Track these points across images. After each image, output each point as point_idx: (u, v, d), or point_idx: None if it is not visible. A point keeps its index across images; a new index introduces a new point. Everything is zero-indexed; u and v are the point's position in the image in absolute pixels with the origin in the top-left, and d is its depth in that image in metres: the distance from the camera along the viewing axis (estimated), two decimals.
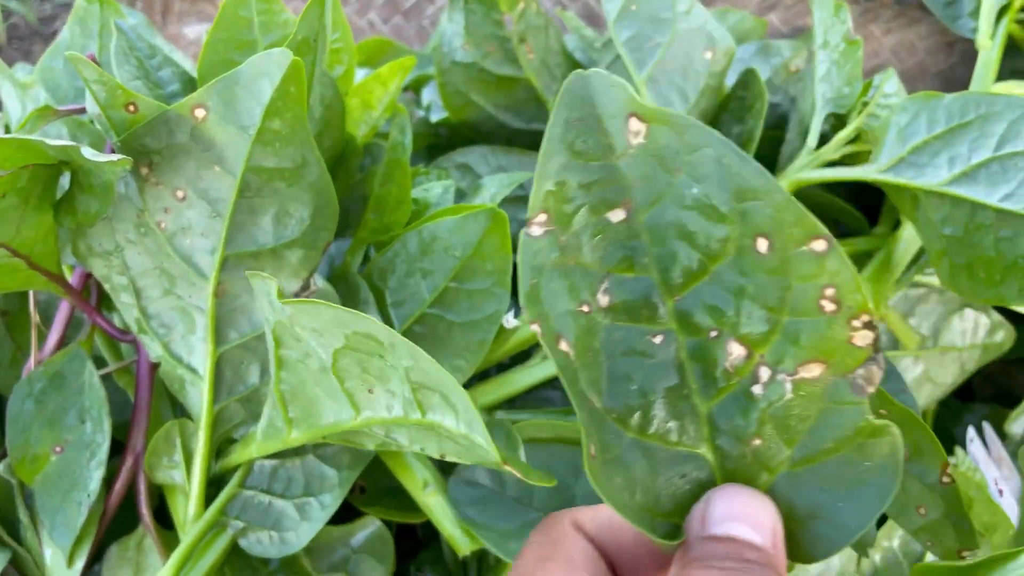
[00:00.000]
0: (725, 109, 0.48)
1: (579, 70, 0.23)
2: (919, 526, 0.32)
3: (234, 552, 0.39)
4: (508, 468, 0.24)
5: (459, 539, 0.37)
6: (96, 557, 0.40)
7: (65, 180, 0.35)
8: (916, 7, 0.62)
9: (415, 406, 0.27)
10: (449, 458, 0.29)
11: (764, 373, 0.23)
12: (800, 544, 0.23)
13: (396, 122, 0.41)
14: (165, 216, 0.34)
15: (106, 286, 0.37)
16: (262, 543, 0.37)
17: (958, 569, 0.27)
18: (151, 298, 0.36)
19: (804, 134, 0.48)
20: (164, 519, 0.40)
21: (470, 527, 0.35)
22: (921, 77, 0.62)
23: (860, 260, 0.45)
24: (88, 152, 0.30)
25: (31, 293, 0.42)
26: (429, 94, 0.58)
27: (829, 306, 0.22)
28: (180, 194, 0.34)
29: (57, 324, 0.41)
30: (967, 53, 0.63)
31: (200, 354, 0.36)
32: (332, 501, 0.37)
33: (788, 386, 0.23)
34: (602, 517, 0.26)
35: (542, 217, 0.22)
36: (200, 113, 0.32)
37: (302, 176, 0.34)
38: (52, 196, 0.34)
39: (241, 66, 0.32)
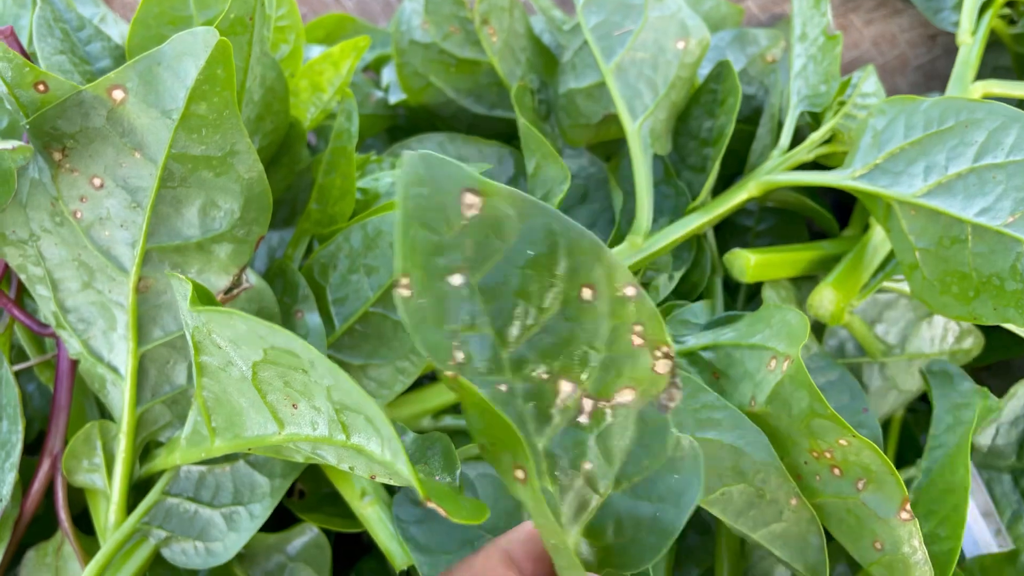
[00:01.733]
0: (696, 102, 0.46)
1: (409, 152, 0.24)
2: (874, 560, 0.30)
3: (158, 561, 0.36)
4: (432, 505, 0.22)
5: (395, 554, 0.35)
6: (13, 562, 0.38)
7: None
8: None
9: (339, 427, 0.24)
10: (379, 480, 0.27)
11: (587, 404, 0.26)
12: (628, 553, 0.27)
13: (343, 107, 0.38)
14: (81, 205, 0.31)
15: (22, 276, 0.34)
16: (186, 553, 0.35)
17: None
18: (69, 291, 0.33)
19: (776, 131, 0.46)
20: (86, 524, 0.38)
21: (411, 550, 0.33)
22: (902, 70, 0.60)
23: (828, 264, 0.43)
24: None
25: None
26: (389, 74, 0.55)
27: (638, 341, 0.25)
28: (97, 182, 0.31)
29: None
30: (949, 46, 0.61)
31: (121, 352, 0.34)
32: (262, 511, 0.35)
33: (608, 412, 0.26)
34: (530, 546, 0.28)
35: (404, 280, 0.24)
36: (118, 95, 0.29)
37: (231, 165, 0.31)
38: None
39: (163, 45, 0.29)
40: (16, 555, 0.38)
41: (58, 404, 0.36)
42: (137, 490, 0.36)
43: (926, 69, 0.61)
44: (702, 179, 0.45)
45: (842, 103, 0.44)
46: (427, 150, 0.46)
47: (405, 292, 0.24)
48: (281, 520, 0.40)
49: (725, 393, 0.35)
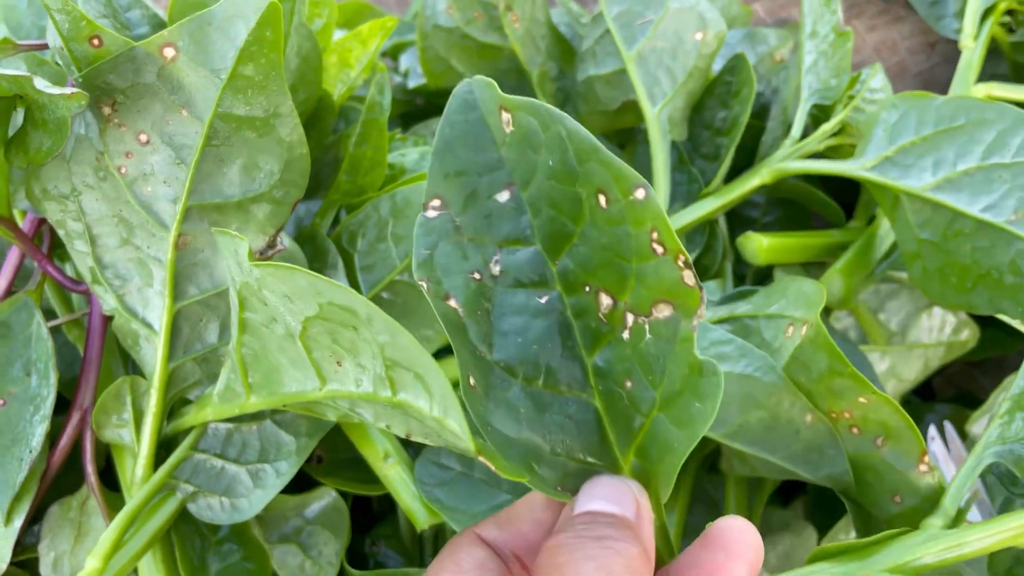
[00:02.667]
0: (710, 93, 0.47)
1: (466, 78, 0.26)
2: (894, 513, 0.31)
3: (182, 518, 0.37)
4: (483, 460, 0.23)
5: (418, 513, 0.36)
6: (36, 517, 0.39)
7: (18, 122, 0.33)
8: (901, 5, 0.62)
9: (386, 383, 0.25)
10: (415, 439, 0.28)
11: (629, 318, 0.26)
12: (660, 478, 0.26)
13: (376, 81, 0.39)
14: (126, 160, 0.32)
15: (60, 232, 0.35)
16: (212, 509, 0.36)
17: (857, 547, 0.28)
18: (107, 247, 0.34)
19: (786, 124, 0.47)
20: (109, 480, 0.39)
21: (438, 509, 0.34)
22: (901, 76, 0.62)
23: (836, 252, 0.45)
24: (40, 83, 0.28)
25: None
26: (407, 60, 0.56)
27: (658, 248, 0.25)
28: (144, 138, 0.32)
29: (5, 272, 0.39)
30: (948, 54, 0.63)
31: (156, 309, 0.35)
32: (288, 469, 0.36)
33: (647, 327, 0.26)
34: (503, 517, 0.28)
35: (436, 202, 0.25)
36: (169, 52, 0.30)
37: (274, 127, 0.32)
38: (4, 133, 0.32)
39: (215, 5, 0.30)
40: (40, 510, 0.38)
41: (89, 359, 0.37)
42: (162, 447, 0.37)
43: (924, 76, 0.63)
44: (714, 167, 0.46)
45: (851, 97, 0.45)
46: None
47: (433, 213, 0.25)
48: (298, 485, 0.41)
49: None
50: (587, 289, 0.26)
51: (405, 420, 0.27)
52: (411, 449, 0.40)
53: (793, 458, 0.34)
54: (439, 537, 0.43)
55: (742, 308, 0.37)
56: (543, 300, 0.26)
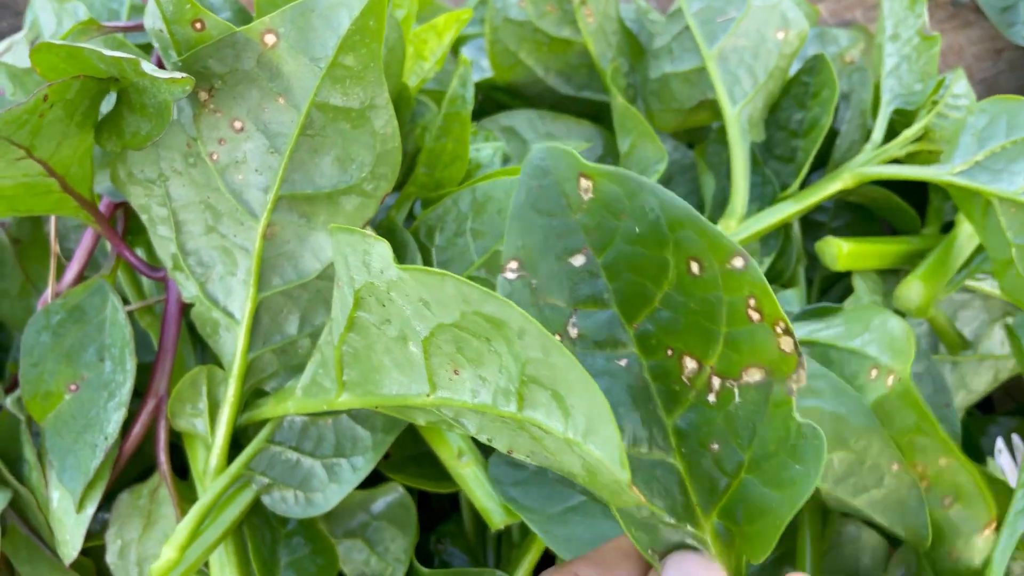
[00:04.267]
0: (786, 94, 0.46)
1: (538, 144, 0.27)
2: (946, 569, 0.32)
3: (252, 510, 0.37)
4: (636, 491, 0.22)
5: (493, 512, 0.36)
6: (103, 504, 0.38)
7: (106, 105, 0.33)
8: (970, 10, 0.61)
9: (512, 398, 0.24)
10: (516, 455, 0.27)
11: (716, 382, 0.26)
12: (754, 541, 0.26)
13: (459, 73, 0.39)
14: (219, 147, 0.32)
15: (143, 217, 0.34)
16: (286, 502, 0.35)
17: None
18: (191, 234, 0.34)
19: (864, 128, 0.47)
20: (176, 470, 0.38)
21: (515, 509, 0.33)
22: None
23: (912, 259, 0.44)
24: (148, 67, 0.27)
25: (52, 221, 0.39)
26: (469, 54, 0.56)
27: (755, 315, 0.25)
28: (238, 125, 0.31)
29: (78, 256, 0.39)
30: (1015, 62, 0.62)
31: (239, 297, 0.34)
32: (364, 464, 0.35)
33: (736, 391, 0.26)
34: (596, 559, 0.28)
35: (514, 264, 0.26)
36: (270, 39, 0.30)
37: (368, 119, 0.32)
38: (95, 115, 0.32)
39: None
40: (106, 498, 0.38)
41: (164, 347, 0.37)
42: (234, 439, 0.37)
43: (989, 83, 0.62)
44: (789, 169, 0.45)
45: (935, 102, 0.44)
46: (519, 122, 0.47)
47: (511, 275, 0.26)
48: (365, 480, 0.40)
49: None
50: (669, 352, 0.26)
51: (514, 436, 0.26)
52: (482, 447, 0.39)
53: (873, 505, 0.34)
54: (503, 538, 0.42)
55: (824, 333, 0.36)
56: (622, 363, 0.26)
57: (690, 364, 0.26)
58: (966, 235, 0.44)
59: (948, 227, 0.48)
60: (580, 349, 0.27)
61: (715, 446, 0.26)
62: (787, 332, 0.25)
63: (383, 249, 0.24)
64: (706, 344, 0.25)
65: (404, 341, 0.26)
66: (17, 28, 0.65)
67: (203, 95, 0.31)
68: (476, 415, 0.26)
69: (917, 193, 0.49)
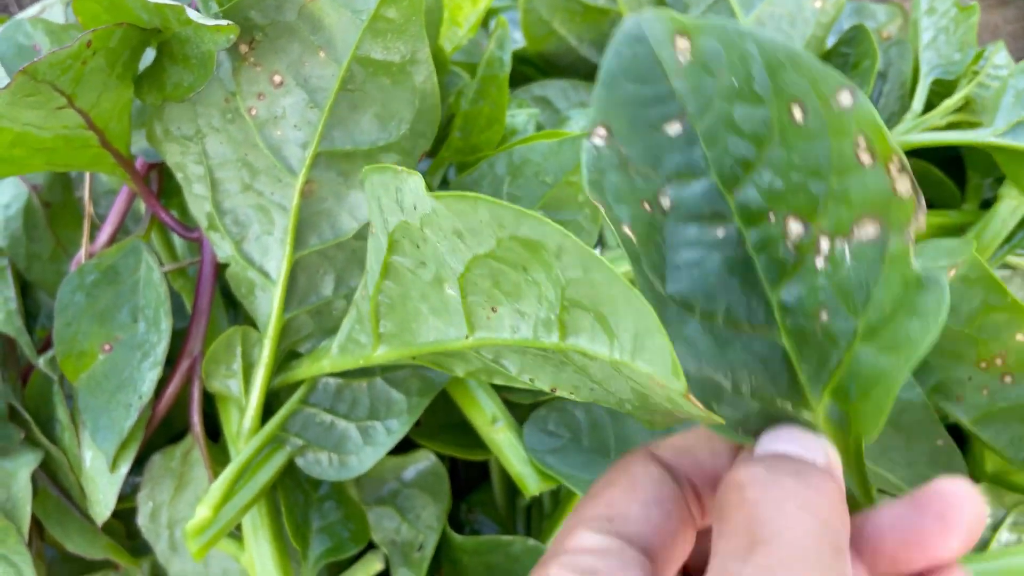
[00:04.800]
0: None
1: (631, 15, 0.24)
2: None
3: (286, 474, 0.36)
4: (691, 398, 0.21)
5: (528, 478, 0.35)
6: (134, 468, 0.38)
7: (145, 62, 0.32)
8: None
9: (554, 328, 0.24)
10: (560, 392, 0.27)
11: (824, 244, 0.23)
12: (866, 416, 0.23)
13: (496, 36, 0.38)
14: (257, 102, 0.31)
15: (178, 175, 0.34)
16: (320, 464, 0.35)
17: None
18: (228, 192, 0.33)
19: (903, 100, 0.46)
20: (206, 432, 0.38)
21: (554, 475, 0.33)
22: None
23: (952, 234, 0.43)
24: (193, 14, 0.27)
25: (87, 181, 0.39)
26: None
27: (866, 157, 0.22)
28: (278, 79, 0.31)
29: (112, 216, 0.39)
30: None
31: (275, 257, 0.34)
32: (399, 427, 0.35)
33: (847, 252, 0.23)
34: (678, 442, 0.25)
35: (602, 130, 0.23)
36: None
37: (409, 74, 0.31)
38: (135, 68, 0.32)
39: None
40: (138, 459, 0.38)
41: (199, 308, 0.36)
42: (265, 403, 0.36)
43: None
44: None
45: (975, 72, 0.44)
46: (552, 92, 0.46)
47: (599, 141, 0.23)
48: (396, 448, 0.40)
49: None
50: (772, 218, 0.23)
51: (556, 371, 0.26)
52: (517, 414, 0.39)
53: (912, 479, 0.33)
54: (533, 508, 0.42)
55: None
56: (720, 234, 0.24)
57: (795, 228, 0.23)
58: (1008, 210, 0.43)
59: (987, 205, 0.47)
60: (673, 220, 0.24)
61: (824, 317, 0.23)
62: (903, 170, 0.22)
63: (416, 181, 0.23)
64: (813, 201, 0.23)
65: (440, 284, 0.26)
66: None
67: (243, 48, 0.30)
68: (517, 353, 0.26)
69: (955, 169, 0.49)
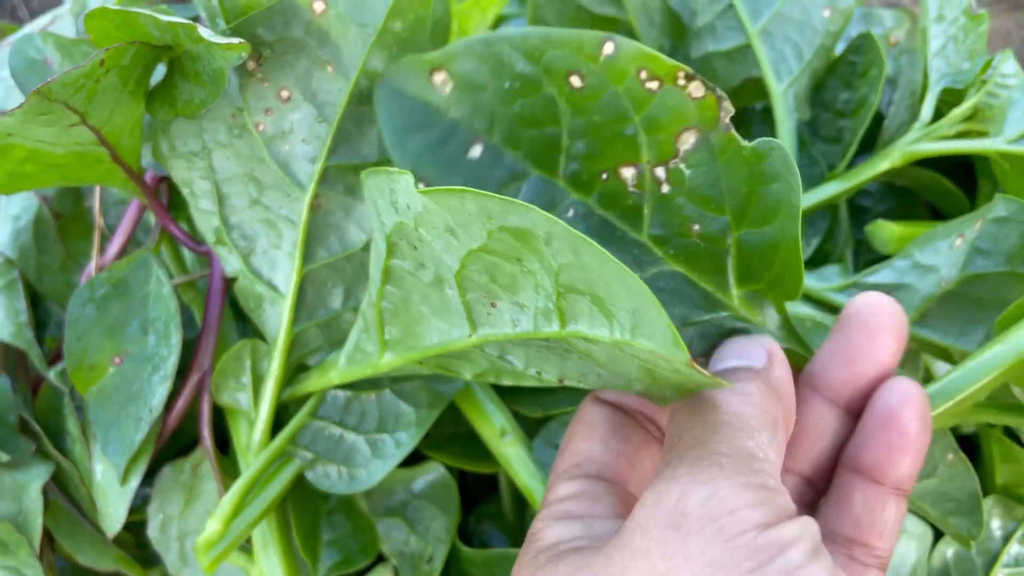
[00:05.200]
0: (832, 74, 0.45)
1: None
2: None
3: (295, 487, 0.36)
4: (695, 366, 0.21)
5: (537, 492, 0.35)
6: (144, 480, 0.38)
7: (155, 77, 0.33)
8: None
9: (553, 316, 0.23)
10: (567, 382, 0.27)
11: (660, 172, 0.25)
12: (781, 286, 0.26)
13: None
14: (265, 118, 0.32)
15: (184, 191, 0.34)
16: (330, 477, 0.35)
17: None
18: (235, 207, 0.34)
19: (912, 109, 0.46)
20: (216, 445, 0.38)
21: None
22: None
23: None
24: (205, 32, 0.27)
25: (97, 194, 0.39)
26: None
27: (652, 84, 0.24)
28: (285, 94, 0.31)
29: (122, 229, 0.39)
30: None
31: (284, 271, 0.34)
32: (408, 440, 0.35)
33: (683, 167, 0.24)
34: None
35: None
36: (319, 6, 0.29)
37: None
38: (146, 84, 0.32)
39: None
40: (148, 472, 0.38)
41: (208, 322, 0.37)
42: (277, 415, 0.36)
43: None
44: (836, 150, 0.45)
45: (983, 81, 0.44)
46: None
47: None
48: (404, 461, 0.40)
49: None
50: (604, 177, 0.25)
51: (562, 362, 0.26)
52: (526, 427, 0.39)
53: (925, 495, 0.33)
54: None
55: (872, 279, 0.35)
56: (571, 214, 0.25)
57: (628, 172, 0.25)
58: None
59: None
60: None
61: (697, 228, 0.25)
62: (689, 77, 0.24)
63: (407, 180, 0.23)
64: (631, 143, 0.24)
65: (440, 284, 0.26)
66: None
67: (251, 64, 0.30)
68: (521, 347, 0.26)
69: (964, 179, 0.48)
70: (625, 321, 0.22)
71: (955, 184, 0.49)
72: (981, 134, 0.44)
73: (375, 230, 0.28)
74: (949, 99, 0.45)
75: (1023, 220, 0.29)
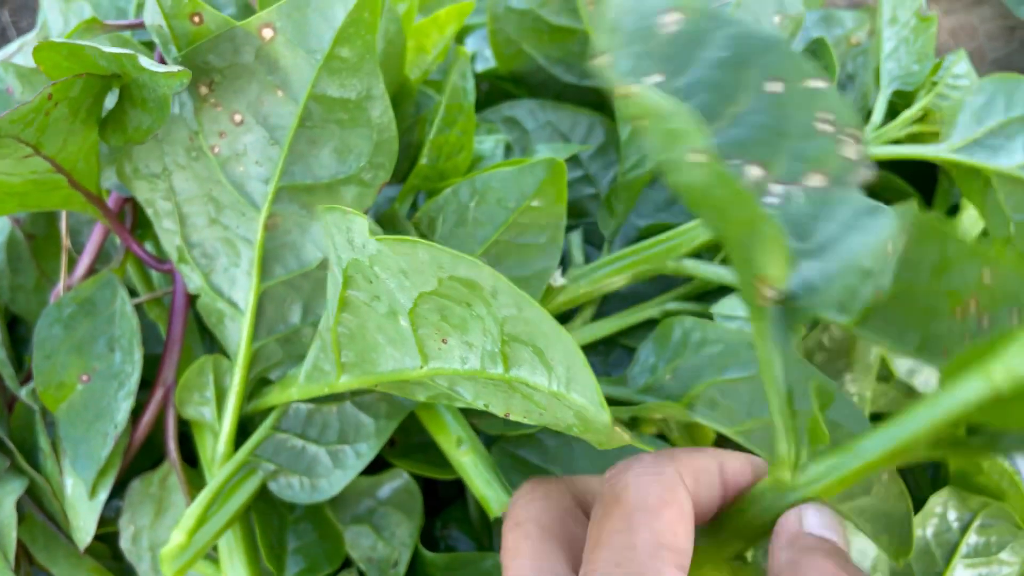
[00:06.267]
0: None
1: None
2: None
3: (259, 497, 0.37)
4: (619, 429, 0.23)
5: (492, 500, 0.36)
6: (116, 491, 0.39)
7: (110, 101, 0.34)
8: None
9: (498, 360, 0.25)
10: (513, 417, 0.28)
11: (776, 187, 0.26)
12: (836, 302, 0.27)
13: (457, 66, 0.39)
14: (220, 140, 0.32)
15: (148, 211, 0.35)
16: (292, 488, 0.36)
17: None
18: (195, 226, 0.35)
19: (866, 110, 0.46)
20: (185, 458, 0.39)
21: None
22: (978, 62, 0.60)
23: None
24: (146, 62, 0.28)
25: (63, 217, 0.40)
26: (473, 44, 0.56)
27: (825, 127, 0.26)
28: (238, 118, 0.32)
29: (88, 250, 0.40)
30: None
31: (243, 288, 0.35)
32: (368, 451, 0.36)
33: (799, 194, 0.26)
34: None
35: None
36: (268, 33, 0.30)
37: (365, 109, 0.32)
38: (99, 112, 0.33)
39: None
40: (119, 485, 0.39)
41: (172, 337, 0.37)
42: (240, 427, 0.37)
43: (1002, 63, 0.62)
44: None
45: (934, 83, 0.44)
46: (520, 113, 0.47)
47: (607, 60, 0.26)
48: (370, 467, 0.41)
49: None
50: (734, 163, 0.26)
51: (507, 398, 0.27)
52: (483, 436, 0.40)
53: (860, 512, 0.34)
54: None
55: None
56: None
57: (754, 171, 0.26)
58: (970, 219, 0.44)
59: (954, 210, 0.48)
60: None
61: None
62: (855, 139, 0.25)
63: (361, 223, 0.25)
64: (773, 153, 0.26)
65: (394, 316, 0.27)
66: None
67: (203, 89, 0.31)
68: (469, 382, 0.27)
69: (922, 178, 0.49)
70: (561, 375, 0.23)
71: (914, 182, 0.50)
72: (933, 135, 0.45)
73: (331, 261, 0.29)
74: (901, 101, 0.46)
75: (940, 235, 0.30)
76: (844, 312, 0.26)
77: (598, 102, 0.50)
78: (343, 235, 0.26)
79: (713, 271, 0.41)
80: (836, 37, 0.52)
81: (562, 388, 0.23)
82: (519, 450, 0.38)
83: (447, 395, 0.29)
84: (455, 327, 0.26)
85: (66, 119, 0.30)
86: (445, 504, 0.46)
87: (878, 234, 0.25)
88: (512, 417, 0.28)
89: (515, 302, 0.23)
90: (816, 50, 0.45)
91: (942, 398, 0.25)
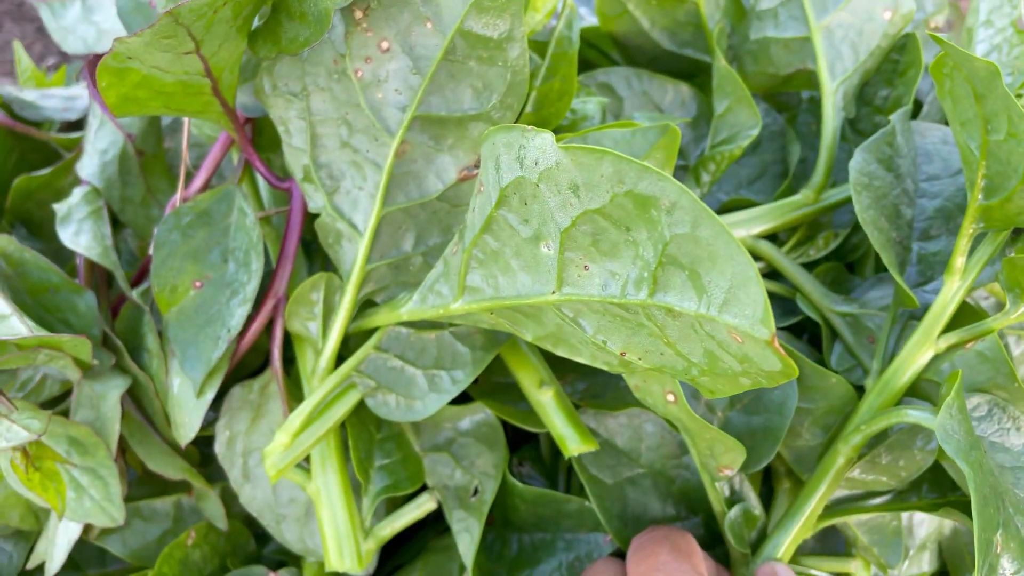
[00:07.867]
0: (876, 70, 0.48)
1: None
2: None
3: (353, 412, 0.39)
4: (775, 344, 0.23)
5: (569, 439, 0.38)
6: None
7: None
8: None
9: (644, 285, 0.25)
10: (628, 356, 0.29)
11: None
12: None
13: (564, 16, 0.41)
14: (364, 65, 0.34)
15: (279, 128, 0.37)
16: (388, 405, 0.38)
17: None
18: (325, 147, 0.36)
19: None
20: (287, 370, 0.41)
21: (580, 475, 0.39)
22: None
23: None
24: None
25: (186, 129, 0.42)
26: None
27: None
28: (385, 45, 0.34)
29: (207, 164, 0.42)
30: None
31: (364, 211, 0.37)
32: (464, 378, 0.38)
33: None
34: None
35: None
36: None
37: (504, 49, 0.34)
38: (251, 23, 0.34)
39: None
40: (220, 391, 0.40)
41: (286, 252, 0.39)
42: (341, 345, 0.39)
43: None
44: None
45: (1019, 96, 0.46)
46: (615, 79, 0.48)
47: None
48: (451, 402, 0.42)
49: None
50: None
51: (631, 334, 0.28)
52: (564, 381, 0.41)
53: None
54: (572, 471, 0.45)
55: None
56: None
57: None
58: None
59: None
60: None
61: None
62: None
63: (545, 137, 0.26)
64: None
65: (537, 241, 0.28)
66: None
67: (358, 13, 0.33)
68: (597, 313, 0.28)
69: None
70: (717, 297, 0.24)
71: None
72: None
73: (485, 183, 0.30)
74: None
75: None
76: None
77: (692, 72, 0.51)
78: (513, 153, 0.27)
79: (780, 259, 0.43)
80: (916, 22, 0.53)
81: (713, 311, 0.24)
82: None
83: (558, 333, 0.31)
84: (604, 253, 0.27)
85: (227, 22, 0.32)
86: (517, 444, 0.47)
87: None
88: (627, 356, 0.29)
89: (692, 218, 0.23)
90: (904, 45, 0.47)
91: None
